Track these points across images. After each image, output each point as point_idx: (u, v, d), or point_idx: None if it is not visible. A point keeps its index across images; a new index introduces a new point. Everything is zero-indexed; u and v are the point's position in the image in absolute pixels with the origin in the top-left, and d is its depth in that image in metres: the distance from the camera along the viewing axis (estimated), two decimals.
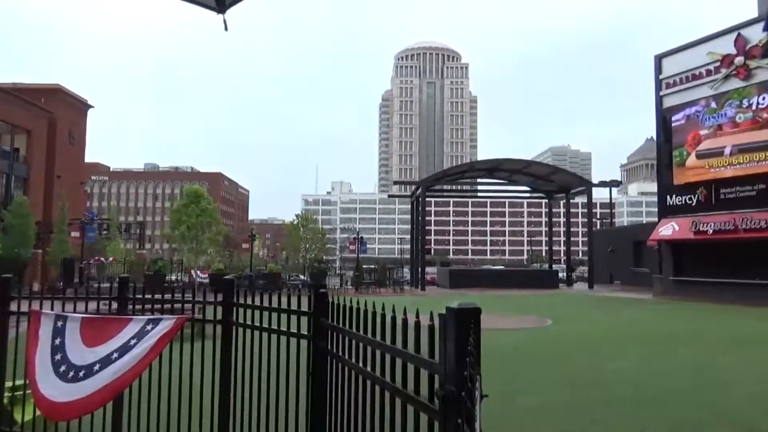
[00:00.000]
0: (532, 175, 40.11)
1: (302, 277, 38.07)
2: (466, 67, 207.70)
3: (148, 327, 4.16)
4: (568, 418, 6.19)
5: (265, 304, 4.11)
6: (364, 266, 40.00)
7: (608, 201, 58.99)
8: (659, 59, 28.80)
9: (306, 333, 3.75)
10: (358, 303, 3.15)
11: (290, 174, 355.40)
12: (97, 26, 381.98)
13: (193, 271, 34.30)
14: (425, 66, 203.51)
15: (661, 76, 28.54)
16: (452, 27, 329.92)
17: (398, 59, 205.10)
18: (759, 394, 7.46)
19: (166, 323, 4.17)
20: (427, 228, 40.81)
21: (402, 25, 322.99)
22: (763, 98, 23.73)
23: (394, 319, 2.52)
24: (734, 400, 7.08)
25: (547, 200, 44.64)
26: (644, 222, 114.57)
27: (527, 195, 48.48)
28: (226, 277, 4.82)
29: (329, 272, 38.16)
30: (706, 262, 25.16)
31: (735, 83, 24.93)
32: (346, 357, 3.06)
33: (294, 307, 3.89)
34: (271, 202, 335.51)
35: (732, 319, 17.13)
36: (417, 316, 2.41)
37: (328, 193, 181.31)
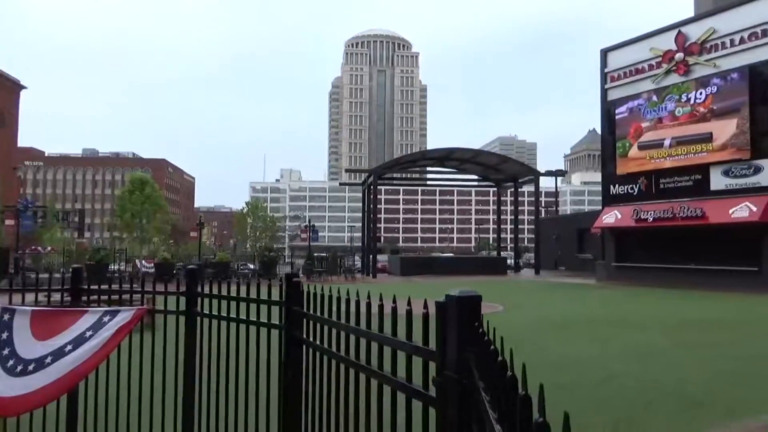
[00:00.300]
0: (482, 165, 40.78)
1: (251, 266, 37.51)
2: (417, 56, 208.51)
3: (105, 319, 3.98)
4: None
5: (233, 294, 3.99)
6: (315, 254, 39.77)
7: (553, 190, 60.84)
8: (605, 53, 29.71)
9: (278, 323, 3.67)
10: (330, 291, 3.10)
11: (237, 162, 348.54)
12: (37, 5, 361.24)
13: (137, 261, 33.19)
14: (375, 54, 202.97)
15: (606, 70, 29.46)
16: (403, 16, 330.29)
17: (348, 46, 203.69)
18: (704, 372, 7.86)
19: (125, 315, 4.00)
20: (378, 216, 40.90)
21: (353, 11, 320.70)
22: (701, 93, 24.86)
23: (381, 307, 2.48)
24: (680, 380, 7.43)
25: (495, 189, 45.50)
26: (586, 210, 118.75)
27: (477, 184, 49.27)
28: (189, 266, 4.67)
29: (279, 261, 37.74)
30: (647, 248, 26.31)
31: (675, 78, 26.01)
32: (326, 346, 3.00)
33: (253, 297, 3.79)
34: (218, 190, 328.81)
35: (673, 302, 18.00)
36: (408, 303, 2.40)
37: (277, 180, 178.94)
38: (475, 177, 45.53)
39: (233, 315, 3.97)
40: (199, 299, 4.32)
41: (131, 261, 34.40)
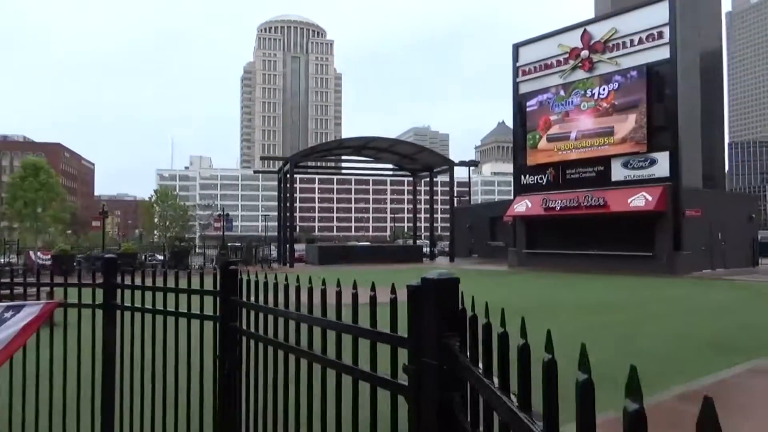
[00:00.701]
0: (399, 154, 41.15)
1: (159, 256, 35.80)
2: (331, 44, 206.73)
3: (7, 315, 3.56)
4: None
5: (161, 285, 3.67)
6: (229, 244, 38.58)
7: (466, 180, 62.57)
8: (516, 48, 30.78)
9: (212, 314, 3.42)
10: (266, 278, 2.92)
11: (143, 149, 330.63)
12: None
13: (31, 253, 30.63)
14: (289, 40, 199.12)
15: (518, 64, 30.56)
16: (318, 3, 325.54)
17: (261, 31, 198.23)
18: (617, 352, 8.31)
19: (31, 310, 3.60)
20: (293, 205, 40.23)
21: None
22: (604, 89, 26.39)
23: (339, 294, 2.33)
24: (597, 361, 7.79)
25: (412, 178, 46.13)
26: (496, 200, 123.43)
27: (393, 173, 49.67)
28: (108, 255, 4.26)
29: (191, 251, 36.28)
30: (555, 235, 27.70)
31: (581, 74, 27.43)
32: (272, 337, 2.80)
33: (183, 287, 3.52)
34: (121, 178, 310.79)
35: (580, 285, 19.02)
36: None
37: (186, 168, 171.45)
38: (392, 166, 45.98)
39: (160, 307, 3.67)
40: (119, 291, 3.96)
41: (24, 252, 31.70)
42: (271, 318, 2.86)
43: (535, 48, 29.82)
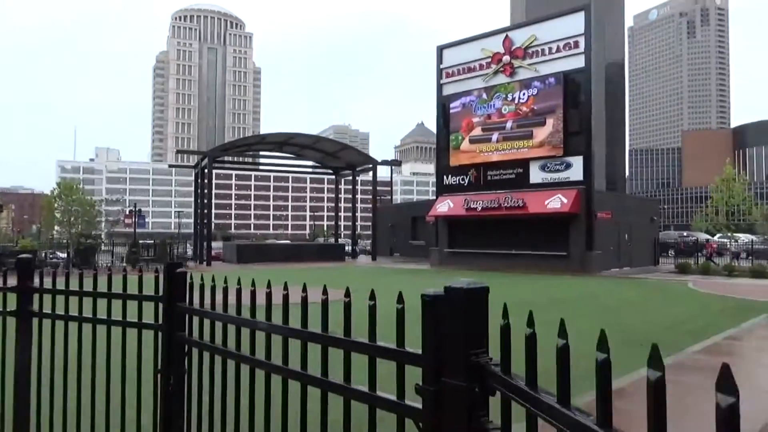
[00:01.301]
0: (322, 152, 40.67)
1: (62, 255, 33.28)
2: (250, 37, 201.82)
3: None
4: None
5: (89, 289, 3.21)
6: (140, 242, 36.46)
7: (385, 179, 62.92)
8: (441, 50, 31.22)
9: (152, 322, 3.01)
10: (226, 282, 2.60)
11: (44, 137, 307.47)
12: None
13: None
14: (206, 30, 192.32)
15: (441, 66, 30.99)
16: None
17: (175, 19, 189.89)
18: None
19: None
20: (207, 202, 38.63)
21: None
22: (524, 94, 27.30)
23: (325, 303, 2.05)
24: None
25: (334, 176, 45.75)
26: (415, 200, 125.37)
27: (315, 170, 49.06)
28: (22, 255, 3.71)
29: (98, 249, 33.95)
30: (476, 235, 28.33)
31: (502, 78, 28.22)
32: (235, 350, 2.46)
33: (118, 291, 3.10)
34: (17, 169, 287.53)
35: (503, 284, 19.51)
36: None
37: (92, 160, 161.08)
38: (314, 164, 45.40)
39: (88, 314, 3.20)
40: (37, 296, 3.44)
41: None
42: (233, 328, 2.53)
43: (458, 51, 30.37)
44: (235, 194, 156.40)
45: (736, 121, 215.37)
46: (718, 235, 42.91)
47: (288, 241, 63.61)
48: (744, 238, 39.83)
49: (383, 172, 62.96)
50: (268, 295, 2.43)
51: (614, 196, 36.87)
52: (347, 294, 2.06)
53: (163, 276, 2.97)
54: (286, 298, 2.37)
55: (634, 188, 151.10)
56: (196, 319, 2.84)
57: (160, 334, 3.00)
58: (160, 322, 3.00)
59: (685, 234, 42.86)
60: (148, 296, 3.05)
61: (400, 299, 1.82)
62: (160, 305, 3.01)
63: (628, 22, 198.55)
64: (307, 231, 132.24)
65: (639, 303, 14.92)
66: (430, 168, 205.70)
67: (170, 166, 73.90)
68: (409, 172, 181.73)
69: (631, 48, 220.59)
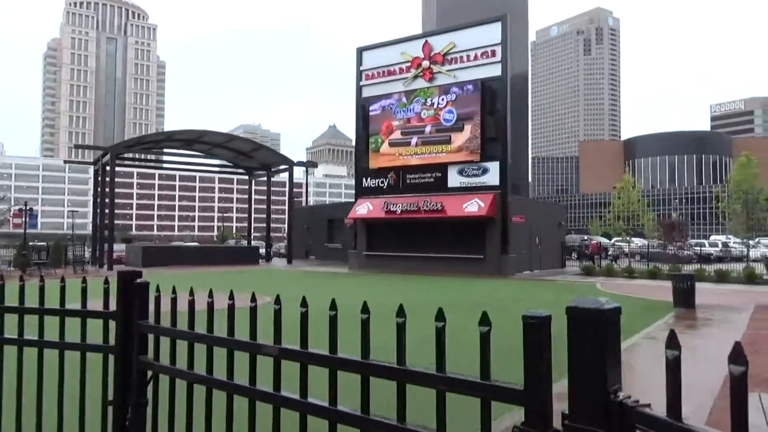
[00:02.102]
0: (235, 151, 39.21)
1: None
2: (154, 29, 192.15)
3: None
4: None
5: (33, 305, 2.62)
6: (30, 243, 33.31)
7: (300, 181, 61.99)
8: (361, 52, 31.06)
9: (102, 343, 2.49)
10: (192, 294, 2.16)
11: None
12: None
13: None
14: (105, 18, 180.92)
15: (361, 68, 30.83)
16: None
17: (70, 5, 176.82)
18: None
19: None
20: (108, 201, 35.89)
21: None
22: (442, 99, 27.70)
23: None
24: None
25: (247, 177, 44.30)
26: (328, 202, 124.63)
27: (227, 170, 47.27)
28: None
29: None
30: (395, 238, 28.36)
31: (421, 83, 28.49)
32: (227, 378, 2.03)
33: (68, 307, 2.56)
34: None
35: (423, 287, 19.55)
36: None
37: None
38: (226, 163, 43.73)
39: (13, 335, 2.61)
40: None
41: None
42: (222, 353, 2.08)
43: (378, 54, 30.35)
44: (137, 193, 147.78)
45: (625, 134, 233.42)
46: (615, 238, 45.99)
47: (197, 244, 60.85)
48: (637, 241, 42.91)
49: (296, 174, 62.03)
50: (231, 307, 2.06)
51: (526, 201, 38.35)
52: (304, 303, 1.73)
53: (120, 289, 2.45)
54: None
55: (536, 194, 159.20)
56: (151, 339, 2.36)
57: (110, 357, 2.48)
58: (111, 343, 2.48)
59: (585, 238, 45.46)
60: (95, 312, 2.52)
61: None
62: (111, 323, 2.49)
63: (531, 36, 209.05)
64: (215, 233, 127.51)
65: (557, 305, 15.40)
66: (343, 170, 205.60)
67: (66, 161, 68.44)
68: (321, 174, 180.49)
69: (534, 61, 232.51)
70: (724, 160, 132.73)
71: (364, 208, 29.07)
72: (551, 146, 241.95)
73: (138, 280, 2.40)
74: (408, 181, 28.39)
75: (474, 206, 25.37)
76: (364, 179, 30.15)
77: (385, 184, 29.15)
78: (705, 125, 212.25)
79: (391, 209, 27.80)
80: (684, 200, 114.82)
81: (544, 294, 17.96)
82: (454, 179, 26.99)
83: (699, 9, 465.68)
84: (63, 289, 2.60)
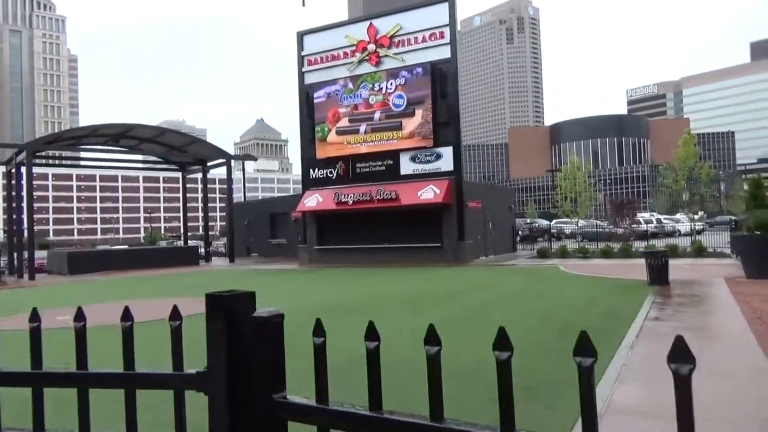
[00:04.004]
0: (167, 145, 36.64)
1: None
2: (63, 20, 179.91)
3: None
4: None
5: None
6: None
7: (234, 177, 59.27)
8: (302, 36, 29.52)
9: None
10: None
11: None
12: None
13: None
14: (6, 9, 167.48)
15: (303, 53, 29.31)
16: None
17: None
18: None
19: None
20: (22, 204, 32.51)
21: None
22: (390, 84, 26.71)
23: None
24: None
25: (180, 173, 41.69)
26: (260, 197, 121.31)
27: (159, 167, 44.35)
28: None
29: None
30: (348, 230, 27.21)
31: (368, 68, 27.36)
32: None
33: None
34: None
35: (388, 278, 18.58)
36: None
37: None
38: (155, 159, 40.96)
39: None
40: None
41: None
42: None
43: (320, 37, 28.92)
44: (53, 196, 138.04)
45: (549, 120, 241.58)
46: (555, 220, 46.81)
47: (126, 246, 57.07)
48: (582, 222, 43.85)
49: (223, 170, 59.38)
50: None
51: (479, 186, 38.04)
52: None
53: (211, 326, 1.28)
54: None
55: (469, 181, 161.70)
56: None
57: None
58: None
59: (528, 221, 46.04)
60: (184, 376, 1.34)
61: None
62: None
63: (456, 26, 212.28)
64: (142, 234, 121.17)
65: (533, 290, 14.88)
66: (274, 165, 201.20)
67: None
68: (252, 169, 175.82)
69: (459, 51, 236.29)
70: (642, 142, 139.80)
71: (314, 200, 27.71)
72: (478, 134, 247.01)
73: (263, 314, 1.24)
74: (358, 170, 27.27)
75: (429, 193, 24.62)
76: (311, 170, 28.75)
77: (334, 174, 27.90)
78: (622, 109, 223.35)
79: (343, 200, 26.60)
80: (608, 181, 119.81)
81: (511, 280, 17.39)
82: (406, 166, 26.13)
83: None
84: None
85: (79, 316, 1.72)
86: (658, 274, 14.74)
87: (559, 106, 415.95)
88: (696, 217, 31.95)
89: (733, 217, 54.89)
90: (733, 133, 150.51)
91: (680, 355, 0.97)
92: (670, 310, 10.95)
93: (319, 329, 1.22)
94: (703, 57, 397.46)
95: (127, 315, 1.61)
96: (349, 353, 7.36)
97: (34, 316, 1.73)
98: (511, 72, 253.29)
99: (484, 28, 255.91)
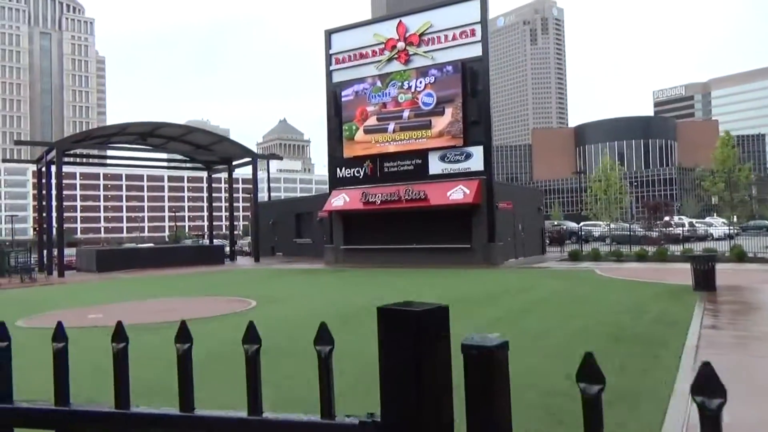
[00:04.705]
0: (193, 144, 36.70)
1: None
2: (92, 23, 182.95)
3: None
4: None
5: None
6: None
7: (259, 176, 59.43)
8: (329, 35, 29.28)
9: None
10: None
11: None
12: None
13: None
14: (37, 12, 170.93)
15: (331, 51, 29.06)
16: None
17: None
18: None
19: None
20: (51, 202, 32.89)
21: None
22: (420, 82, 26.30)
23: None
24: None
25: (206, 171, 41.80)
26: (283, 197, 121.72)
27: (185, 165, 44.54)
28: None
29: None
30: (375, 230, 26.86)
31: (397, 66, 26.99)
32: None
33: None
34: None
35: (413, 281, 18.19)
36: None
37: None
38: (182, 158, 41.13)
39: None
40: None
41: None
42: None
43: (349, 36, 28.65)
44: (81, 195, 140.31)
45: (572, 121, 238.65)
46: (582, 222, 45.90)
47: (152, 245, 57.55)
48: (611, 225, 42.90)
49: (250, 169, 59.52)
50: None
51: (509, 187, 37.39)
52: None
53: (391, 360, 0.90)
54: None
55: None
56: None
57: None
58: None
59: (555, 223, 45.20)
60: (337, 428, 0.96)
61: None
62: None
63: None
64: (167, 233, 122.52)
65: (574, 294, 14.34)
66: (297, 165, 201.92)
67: (5, 161, 63.61)
68: (275, 169, 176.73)
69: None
70: (669, 144, 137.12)
71: (341, 200, 27.42)
72: (502, 135, 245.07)
73: (484, 342, 0.86)
74: (386, 169, 26.90)
75: (459, 193, 24.14)
76: (338, 169, 28.46)
77: (362, 173, 27.57)
78: (648, 111, 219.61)
79: (370, 200, 26.26)
80: (634, 184, 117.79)
81: (548, 283, 16.84)
82: (435, 166, 25.69)
83: None
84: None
85: (59, 335, 1.29)
86: (705, 280, 14.09)
87: (583, 108, 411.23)
88: (731, 221, 30.92)
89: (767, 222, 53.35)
90: (763, 135, 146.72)
91: (707, 386, 0.78)
92: (725, 318, 10.37)
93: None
94: (733, 59, 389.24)
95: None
96: None
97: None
98: (534, 73, 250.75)
99: (508, 28, 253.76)
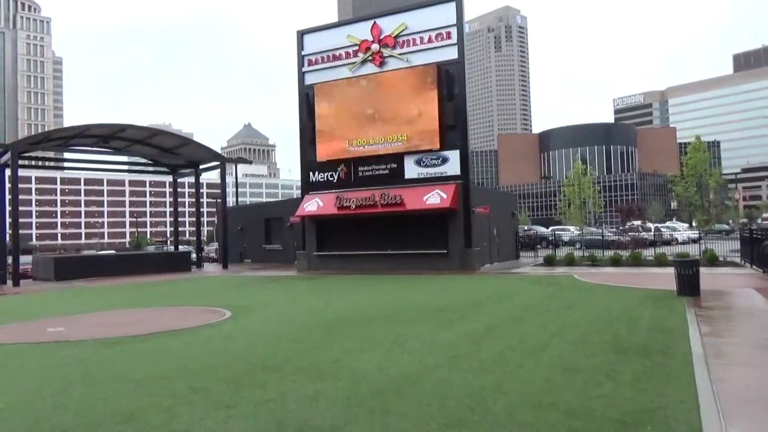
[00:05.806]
0: (158, 147, 35.43)
1: None
2: (48, 22, 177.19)
3: None
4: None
5: None
6: None
7: (218, 181, 57.96)
8: (302, 35, 28.59)
9: None
10: None
11: None
12: None
13: None
14: None
15: (303, 53, 28.37)
16: None
17: None
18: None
19: None
20: (10, 207, 31.04)
21: None
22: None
23: None
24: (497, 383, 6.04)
25: (171, 176, 40.45)
26: (248, 202, 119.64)
27: (150, 169, 43.06)
28: None
29: None
30: (348, 235, 26.24)
31: (371, 68, 26.49)
32: None
33: None
34: None
35: (393, 289, 17.65)
36: None
37: None
38: (144, 161, 39.74)
39: None
40: None
41: None
42: None
43: (322, 36, 28.01)
44: (36, 199, 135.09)
45: (536, 128, 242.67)
46: (551, 227, 46.24)
47: (114, 252, 55.46)
48: (575, 230, 43.27)
49: (216, 174, 58.09)
50: None
51: (485, 191, 37.09)
52: None
53: None
54: None
55: None
56: None
57: None
58: None
59: (526, 228, 45.39)
60: None
61: None
62: None
63: None
64: (128, 239, 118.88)
65: (560, 300, 14.02)
66: (263, 169, 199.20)
67: None
68: (241, 174, 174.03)
69: None
70: (630, 150, 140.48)
71: (314, 205, 26.72)
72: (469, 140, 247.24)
73: None
74: (360, 173, 26.34)
75: (436, 198, 23.76)
76: (311, 173, 27.75)
77: (335, 177, 26.94)
78: (608, 117, 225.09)
79: (345, 204, 25.63)
80: (597, 189, 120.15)
81: (531, 290, 16.50)
82: (411, 170, 25.26)
83: (598, 7, 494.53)
84: None
85: None
86: (689, 285, 13.97)
87: (547, 114, 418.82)
88: (694, 225, 31.44)
89: (726, 226, 54.84)
90: (718, 142, 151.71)
91: None
92: (720, 325, 10.17)
93: None
94: (688, 68, 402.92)
95: None
96: (383, 378, 6.40)
97: None
98: (499, 79, 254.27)
99: (473, 35, 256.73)
